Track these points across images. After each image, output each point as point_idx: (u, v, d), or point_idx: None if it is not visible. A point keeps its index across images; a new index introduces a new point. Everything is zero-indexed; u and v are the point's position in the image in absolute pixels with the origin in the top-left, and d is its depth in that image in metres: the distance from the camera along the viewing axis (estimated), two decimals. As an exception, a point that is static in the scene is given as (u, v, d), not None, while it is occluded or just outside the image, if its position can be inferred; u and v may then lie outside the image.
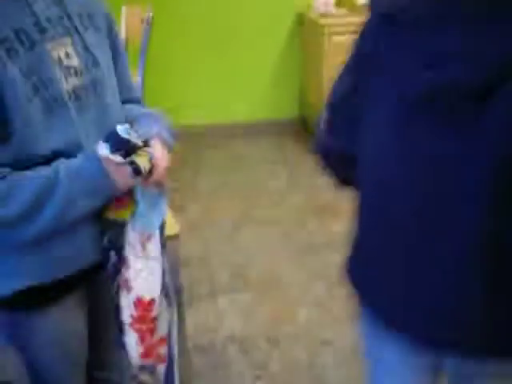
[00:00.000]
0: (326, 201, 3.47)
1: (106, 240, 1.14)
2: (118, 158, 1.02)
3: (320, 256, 2.91)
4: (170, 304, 1.18)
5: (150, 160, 1.06)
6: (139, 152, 1.05)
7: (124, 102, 1.29)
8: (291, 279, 2.73)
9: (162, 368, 1.23)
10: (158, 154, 1.12)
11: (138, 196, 1.07)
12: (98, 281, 1.28)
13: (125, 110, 1.27)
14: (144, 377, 1.24)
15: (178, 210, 3.40)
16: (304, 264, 2.85)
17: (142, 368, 1.22)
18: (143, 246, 1.09)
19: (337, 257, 2.88)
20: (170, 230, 1.58)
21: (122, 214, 1.12)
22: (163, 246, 1.17)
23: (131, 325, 1.15)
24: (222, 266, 2.85)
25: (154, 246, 1.11)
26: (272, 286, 2.69)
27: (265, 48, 4.33)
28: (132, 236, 1.09)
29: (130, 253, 1.10)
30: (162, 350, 1.20)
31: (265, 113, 4.56)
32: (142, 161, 1.04)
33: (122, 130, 1.03)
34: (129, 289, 1.13)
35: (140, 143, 1.05)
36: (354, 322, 2.37)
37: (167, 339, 1.20)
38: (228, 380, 2.14)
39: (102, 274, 1.24)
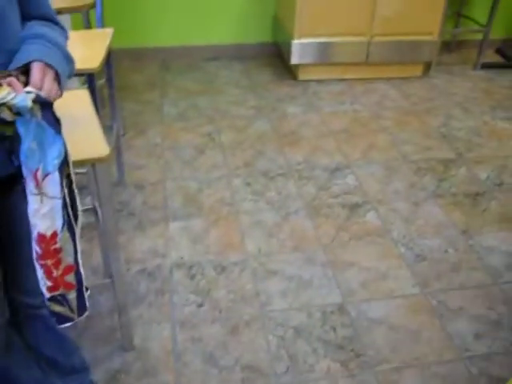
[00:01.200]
0: (289, 131, 3.41)
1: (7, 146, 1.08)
2: None
3: (275, 185, 2.88)
4: (73, 234, 1.13)
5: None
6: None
7: (34, 18, 1.18)
8: (244, 207, 2.70)
9: (73, 294, 1.21)
10: (34, 78, 1.03)
11: (22, 131, 0.99)
12: (8, 198, 1.23)
13: (25, 27, 1.15)
14: (57, 308, 1.22)
15: (139, 133, 3.34)
16: (259, 193, 2.82)
17: (53, 299, 1.19)
18: (37, 185, 1.03)
19: (292, 187, 2.90)
20: (100, 152, 1.53)
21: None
22: (70, 182, 1.11)
23: (37, 260, 1.12)
24: (177, 192, 2.80)
25: (52, 186, 1.05)
26: (224, 213, 2.66)
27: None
28: (25, 172, 1.03)
29: (26, 189, 1.05)
30: (69, 278, 1.17)
31: (238, 37, 4.41)
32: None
33: None
34: (31, 224, 1.09)
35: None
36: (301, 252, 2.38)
37: (74, 267, 1.17)
38: (169, 305, 2.13)
39: (13, 193, 1.18)
